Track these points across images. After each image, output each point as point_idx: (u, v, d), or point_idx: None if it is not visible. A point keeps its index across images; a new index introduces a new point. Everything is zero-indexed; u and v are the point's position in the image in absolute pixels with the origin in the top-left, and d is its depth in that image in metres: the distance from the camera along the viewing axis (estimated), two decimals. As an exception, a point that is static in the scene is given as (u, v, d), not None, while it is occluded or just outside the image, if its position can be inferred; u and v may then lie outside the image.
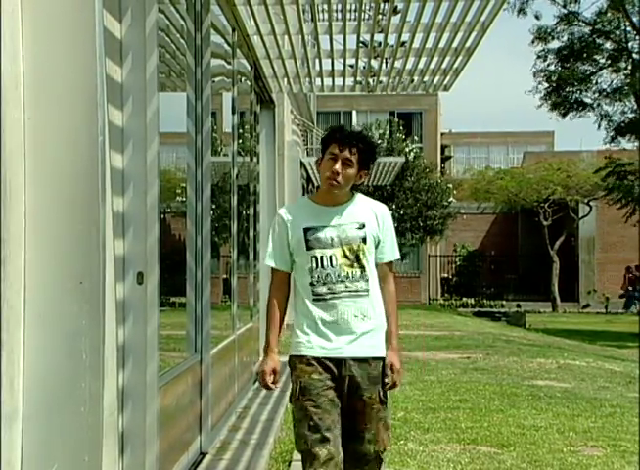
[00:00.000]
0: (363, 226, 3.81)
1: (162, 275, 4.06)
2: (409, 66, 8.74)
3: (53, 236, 2.70)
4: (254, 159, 9.70)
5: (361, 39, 7.97)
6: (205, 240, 5.54)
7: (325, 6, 7.00)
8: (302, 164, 16.82)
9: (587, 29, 27.63)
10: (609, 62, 27.94)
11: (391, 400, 4.25)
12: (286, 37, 7.83)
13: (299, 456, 3.87)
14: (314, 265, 3.76)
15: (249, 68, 8.72)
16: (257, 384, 8.51)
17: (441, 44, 7.86)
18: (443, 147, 39.51)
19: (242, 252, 8.29)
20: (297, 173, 15.80)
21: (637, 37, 26.36)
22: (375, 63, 8.71)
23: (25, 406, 2.66)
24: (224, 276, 7.79)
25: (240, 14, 7.21)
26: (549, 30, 27.70)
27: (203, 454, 5.48)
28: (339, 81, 9.51)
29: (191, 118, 5.40)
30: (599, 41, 27.77)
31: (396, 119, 30.73)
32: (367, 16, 8.06)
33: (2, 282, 2.60)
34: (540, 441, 6.49)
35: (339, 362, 3.74)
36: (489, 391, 8.87)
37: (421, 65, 8.67)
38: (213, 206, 6.37)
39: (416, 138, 32.02)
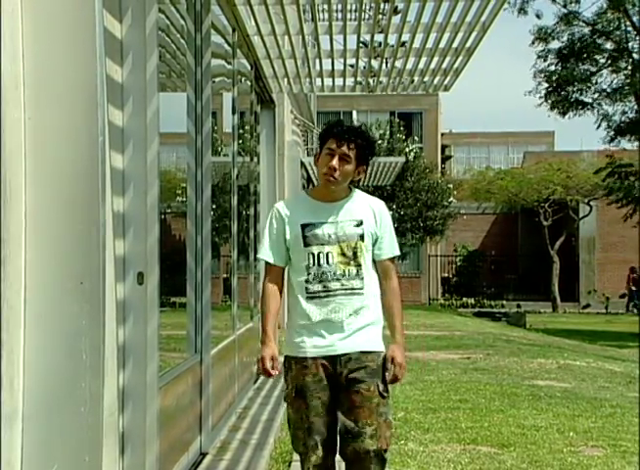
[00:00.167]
0: (361, 223, 3.78)
1: (163, 275, 4.06)
2: (409, 66, 8.74)
3: (53, 236, 2.70)
4: (255, 159, 9.70)
5: (361, 39, 7.97)
6: (206, 240, 5.54)
7: (325, 6, 7.00)
8: (303, 164, 16.83)
9: (587, 30, 27.63)
10: (609, 62, 27.94)
11: (392, 400, 4.24)
12: (286, 37, 7.83)
13: (300, 457, 3.88)
14: (311, 263, 3.74)
15: (249, 68, 8.72)
16: (257, 384, 8.53)
17: (442, 44, 7.86)
18: (444, 147, 39.52)
19: (242, 252, 8.29)
20: (298, 173, 15.80)
21: (637, 37, 26.36)
22: (375, 63, 8.71)
23: (26, 406, 2.66)
24: (224, 276, 7.79)
25: (240, 14, 7.21)
26: (549, 31, 27.70)
27: (203, 455, 5.48)
28: (339, 81, 9.52)
29: (191, 119, 5.40)
30: (599, 41, 27.77)
31: (397, 120, 30.76)
32: (367, 16, 8.06)
33: (2, 282, 2.60)
34: (540, 441, 6.49)
35: (333, 359, 3.72)
36: (490, 391, 8.87)
37: (421, 65, 8.67)
38: (214, 206, 6.37)
39: (416, 138, 32.02)
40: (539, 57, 28.49)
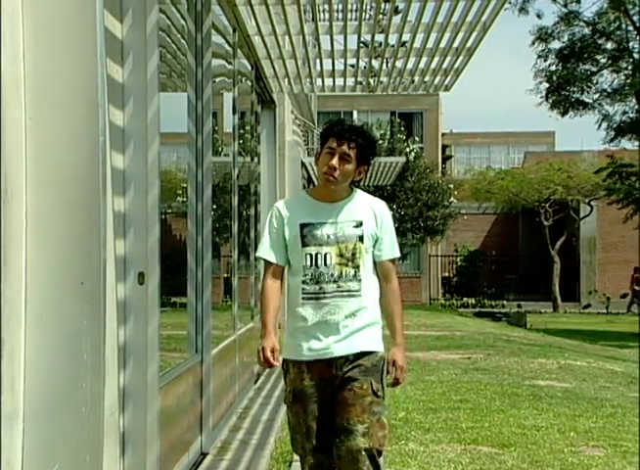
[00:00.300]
0: (360, 224, 3.74)
1: (163, 275, 4.06)
2: (410, 66, 8.74)
3: (54, 236, 2.70)
4: (255, 159, 9.70)
5: (362, 39, 7.97)
6: (206, 240, 5.54)
7: (326, 6, 6.99)
8: (303, 164, 16.82)
9: (588, 30, 27.62)
10: (609, 62, 27.93)
11: (390, 401, 4.24)
12: (287, 37, 7.82)
13: (300, 458, 3.88)
14: (308, 263, 3.70)
15: (249, 68, 8.72)
16: (257, 384, 8.54)
17: (442, 44, 7.85)
18: (444, 147, 39.52)
19: (243, 252, 8.30)
20: (298, 174, 15.79)
21: (638, 37, 26.35)
22: (376, 63, 8.71)
23: (26, 407, 2.66)
24: (225, 276, 7.79)
25: (241, 14, 7.21)
26: (549, 31, 27.69)
27: (203, 455, 5.48)
28: (339, 81, 9.52)
29: (192, 119, 5.40)
30: (600, 41, 27.76)
31: (397, 120, 30.76)
32: (368, 16, 8.05)
33: (3, 282, 2.60)
34: (541, 441, 6.49)
35: (330, 362, 3.69)
36: (490, 391, 8.87)
37: (422, 65, 8.67)
38: (214, 206, 6.38)
39: (417, 138, 32.01)
40: (540, 56, 28.49)
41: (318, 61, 8.64)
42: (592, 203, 31.76)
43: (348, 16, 7.16)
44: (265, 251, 3.81)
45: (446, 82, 9.20)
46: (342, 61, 8.71)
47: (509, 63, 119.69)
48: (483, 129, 48.60)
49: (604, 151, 29.42)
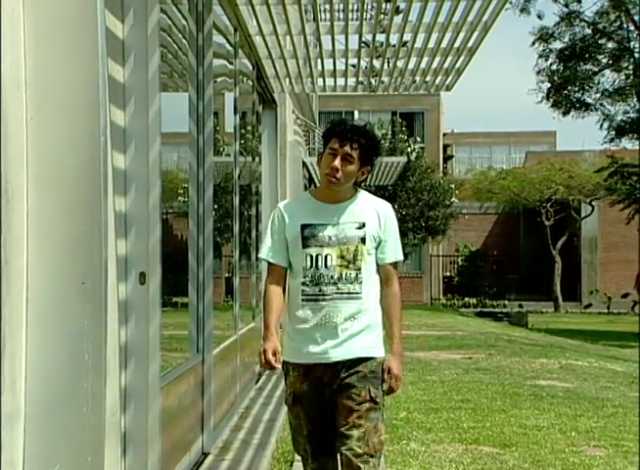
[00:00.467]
0: (363, 226, 3.67)
1: (165, 275, 4.06)
2: (411, 66, 8.74)
3: (55, 236, 2.69)
4: (256, 159, 9.70)
5: (363, 39, 7.96)
6: (208, 240, 5.53)
7: (327, 6, 6.99)
8: (304, 164, 16.81)
9: (589, 30, 27.62)
10: (611, 62, 27.93)
11: (392, 401, 4.23)
12: (288, 37, 7.83)
13: (301, 459, 3.88)
14: (308, 265, 3.64)
15: (251, 68, 8.72)
16: (259, 384, 8.53)
17: (443, 44, 7.85)
18: (445, 147, 39.52)
19: (244, 252, 8.30)
20: (299, 173, 15.78)
21: (639, 37, 26.35)
22: (377, 63, 8.71)
23: (28, 407, 2.66)
24: (226, 276, 7.80)
25: (242, 14, 7.21)
26: (550, 31, 27.69)
27: (205, 454, 5.48)
28: (341, 81, 9.51)
29: (193, 119, 5.40)
30: (601, 41, 27.76)
31: (398, 120, 30.76)
32: (369, 16, 8.06)
33: (4, 282, 2.60)
34: (542, 441, 6.49)
35: (327, 366, 3.65)
36: (491, 391, 8.87)
37: (423, 65, 8.67)
38: (215, 206, 6.37)
39: (418, 138, 32.03)
40: (541, 56, 28.50)
41: (319, 60, 8.64)
42: (593, 203, 31.76)
43: (350, 16, 7.16)
44: (267, 252, 3.77)
45: (447, 82, 9.20)
46: (344, 61, 8.71)
47: (510, 62, 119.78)
48: (485, 129, 48.71)
49: (605, 151, 29.40)
